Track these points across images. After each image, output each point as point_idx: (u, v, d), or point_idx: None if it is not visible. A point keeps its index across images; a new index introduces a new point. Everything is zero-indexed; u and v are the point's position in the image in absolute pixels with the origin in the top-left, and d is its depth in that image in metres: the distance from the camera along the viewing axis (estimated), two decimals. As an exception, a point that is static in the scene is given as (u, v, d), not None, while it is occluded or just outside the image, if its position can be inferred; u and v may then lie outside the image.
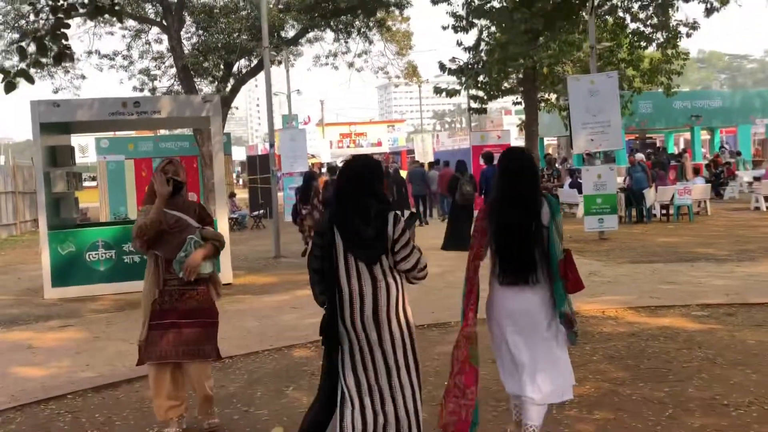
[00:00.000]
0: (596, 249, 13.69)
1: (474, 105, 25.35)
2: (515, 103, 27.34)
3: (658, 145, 37.01)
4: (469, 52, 24.05)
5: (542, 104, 24.00)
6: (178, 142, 25.49)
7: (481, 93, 25.04)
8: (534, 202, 4.13)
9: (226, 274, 11.19)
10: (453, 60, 24.50)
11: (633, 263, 11.87)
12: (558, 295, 4.10)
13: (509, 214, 4.12)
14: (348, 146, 49.24)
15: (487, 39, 24.13)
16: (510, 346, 4.19)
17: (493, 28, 23.75)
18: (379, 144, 50.26)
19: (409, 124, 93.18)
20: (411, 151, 47.34)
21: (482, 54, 23.94)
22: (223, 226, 11.32)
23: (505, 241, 4.15)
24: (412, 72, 33.82)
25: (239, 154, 54.89)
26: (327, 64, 33.08)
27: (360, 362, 3.85)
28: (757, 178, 28.29)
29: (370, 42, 31.77)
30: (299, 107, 43.70)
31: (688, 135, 42.65)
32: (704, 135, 38.01)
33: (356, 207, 3.83)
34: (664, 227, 17.13)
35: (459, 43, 24.46)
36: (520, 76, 24.62)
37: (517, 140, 36.08)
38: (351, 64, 32.97)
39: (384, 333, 3.82)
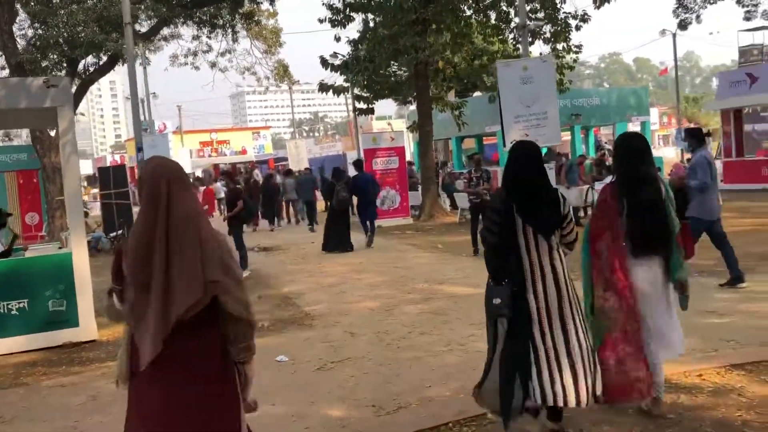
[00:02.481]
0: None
1: (360, 105, 22.97)
2: (405, 102, 25.23)
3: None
4: (354, 46, 21.67)
5: (434, 103, 21.90)
6: (14, 155, 21.36)
7: (367, 93, 22.81)
8: (656, 179, 4.48)
9: (87, 328, 8.08)
10: (335, 55, 22.08)
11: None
12: (675, 264, 4.44)
13: (640, 191, 4.40)
14: (210, 155, 45.63)
15: (368, 36, 21.84)
16: (648, 317, 4.43)
17: (378, 19, 21.48)
18: (244, 152, 46.96)
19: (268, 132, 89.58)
20: (280, 159, 44.48)
21: (363, 50, 21.70)
22: (81, 254, 8.18)
23: (640, 217, 4.37)
24: (282, 72, 31.26)
25: (85, 167, 49.77)
26: (186, 63, 30.22)
27: (538, 328, 4.10)
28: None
29: (235, 39, 29.16)
30: (153, 113, 39.86)
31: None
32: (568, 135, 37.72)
33: (538, 189, 4.21)
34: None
35: (337, 38, 22.09)
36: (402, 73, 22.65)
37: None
38: (214, 64, 30.29)
39: (564, 298, 4.14)
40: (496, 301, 4.08)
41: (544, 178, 4.26)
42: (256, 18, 27.38)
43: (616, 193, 4.41)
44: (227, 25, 27.50)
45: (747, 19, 27.03)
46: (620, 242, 4.34)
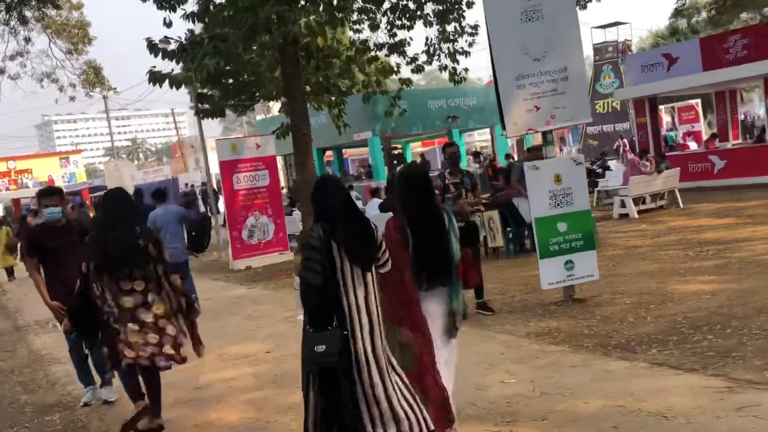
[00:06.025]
0: (594, 331, 6.48)
1: (204, 106, 17.27)
2: (260, 100, 19.71)
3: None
4: (193, 21, 15.92)
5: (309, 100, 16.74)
6: None
7: (212, 90, 17.34)
8: (440, 211, 4.56)
9: None
10: (167, 40, 16.23)
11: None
12: (454, 294, 4.47)
13: (426, 224, 4.42)
14: (8, 188, 37.70)
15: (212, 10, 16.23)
16: (437, 349, 4.38)
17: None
18: (51, 182, 39.49)
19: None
20: (95, 189, 37.32)
21: (206, 33, 16.11)
22: None
23: (426, 250, 4.36)
24: (94, 76, 25.05)
25: None
26: (-38, 71, 23.89)
27: (358, 374, 3.82)
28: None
29: (28, 39, 23.35)
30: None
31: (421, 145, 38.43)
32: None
33: (357, 219, 3.99)
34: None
35: (168, 23, 16.22)
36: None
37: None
38: (1, 71, 24.22)
39: (376, 337, 3.88)
40: (320, 348, 3.69)
41: (355, 207, 4.10)
42: (57, 5, 21.47)
43: (399, 227, 4.38)
44: (13, 13, 21.20)
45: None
46: (409, 275, 4.26)
